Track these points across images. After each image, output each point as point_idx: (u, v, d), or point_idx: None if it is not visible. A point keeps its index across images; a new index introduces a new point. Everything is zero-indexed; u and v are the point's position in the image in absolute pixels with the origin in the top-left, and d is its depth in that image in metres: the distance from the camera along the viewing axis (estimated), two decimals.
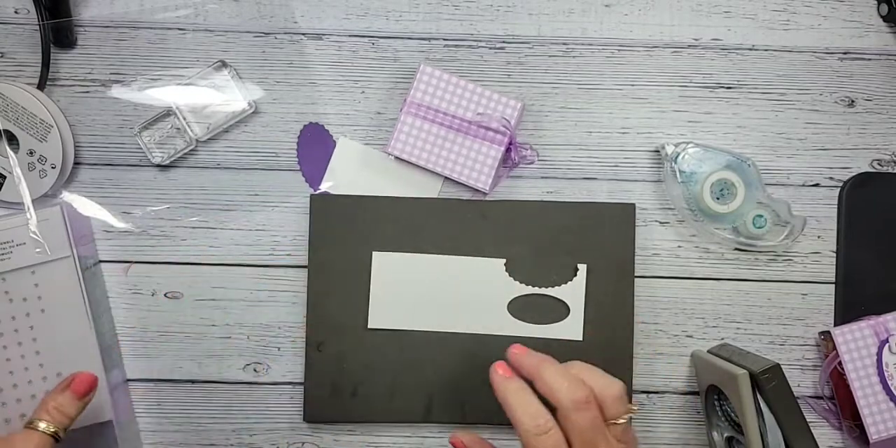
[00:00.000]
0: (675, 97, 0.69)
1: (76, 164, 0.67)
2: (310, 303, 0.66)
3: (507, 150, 0.66)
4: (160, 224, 0.67)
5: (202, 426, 0.68)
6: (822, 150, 0.69)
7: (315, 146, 0.68)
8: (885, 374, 0.65)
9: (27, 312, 0.62)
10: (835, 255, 0.69)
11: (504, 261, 0.67)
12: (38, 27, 0.65)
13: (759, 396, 0.59)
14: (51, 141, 0.64)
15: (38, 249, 0.62)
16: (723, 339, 0.68)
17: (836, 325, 0.68)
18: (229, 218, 0.68)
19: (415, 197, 0.67)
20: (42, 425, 0.56)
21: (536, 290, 0.66)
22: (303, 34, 0.68)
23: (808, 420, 0.58)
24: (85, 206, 0.67)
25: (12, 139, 0.65)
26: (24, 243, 0.62)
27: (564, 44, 0.69)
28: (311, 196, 0.67)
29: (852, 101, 0.69)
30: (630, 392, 0.66)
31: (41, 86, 0.66)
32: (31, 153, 0.65)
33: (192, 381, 0.68)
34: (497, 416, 0.66)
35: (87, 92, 0.67)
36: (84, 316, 0.63)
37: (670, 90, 0.69)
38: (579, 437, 0.51)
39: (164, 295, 0.67)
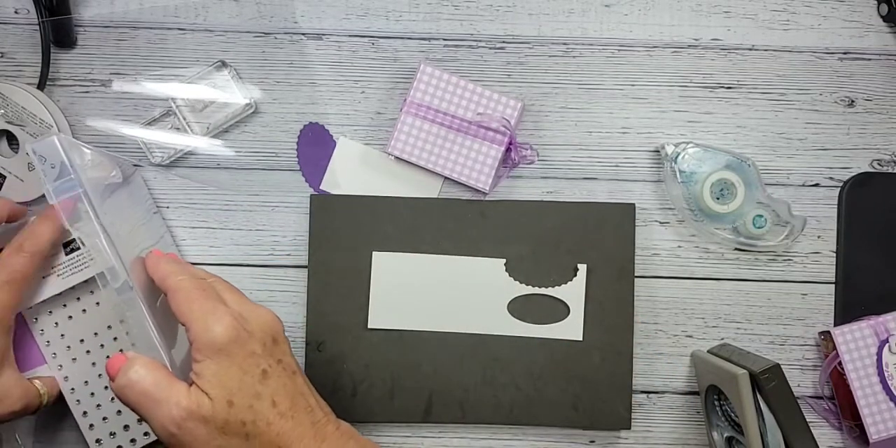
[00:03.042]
0: (675, 97, 0.69)
1: None
2: (310, 303, 0.66)
3: (507, 150, 0.66)
4: None
5: None
6: (822, 150, 0.69)
7: (315, 146, 0.68)
8: (885, 374, 0.65)
9: None
10: (835, 255, 0.69)
11: (504, 261, 0.67)
12: (38, 27, 0.65)
13: (759, 396, 0.59)
14: None
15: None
16: (723, 339, 0.68)
17: (836, 325, 0.68)
18: (229, 218, 0.68)
19: (415, 197, 0.67)
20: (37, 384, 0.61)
21: (536, 290, 0.66)
22: (303, 34, 0.68)
23: (808, 420, 0.58)
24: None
25: (12, 139, 0.65)
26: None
27: (564, 44, 0.69)
28: (311, 196, 0.67)
29: (852, 101, 0.69)
30: (630, 392, 0.66)
31: (41, 86, 0.66)
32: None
33: None
34: (497, 416, 0.67)
35: (87, 92, 0.67)
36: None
37: (670, 90, 0.69)
38: None
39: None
